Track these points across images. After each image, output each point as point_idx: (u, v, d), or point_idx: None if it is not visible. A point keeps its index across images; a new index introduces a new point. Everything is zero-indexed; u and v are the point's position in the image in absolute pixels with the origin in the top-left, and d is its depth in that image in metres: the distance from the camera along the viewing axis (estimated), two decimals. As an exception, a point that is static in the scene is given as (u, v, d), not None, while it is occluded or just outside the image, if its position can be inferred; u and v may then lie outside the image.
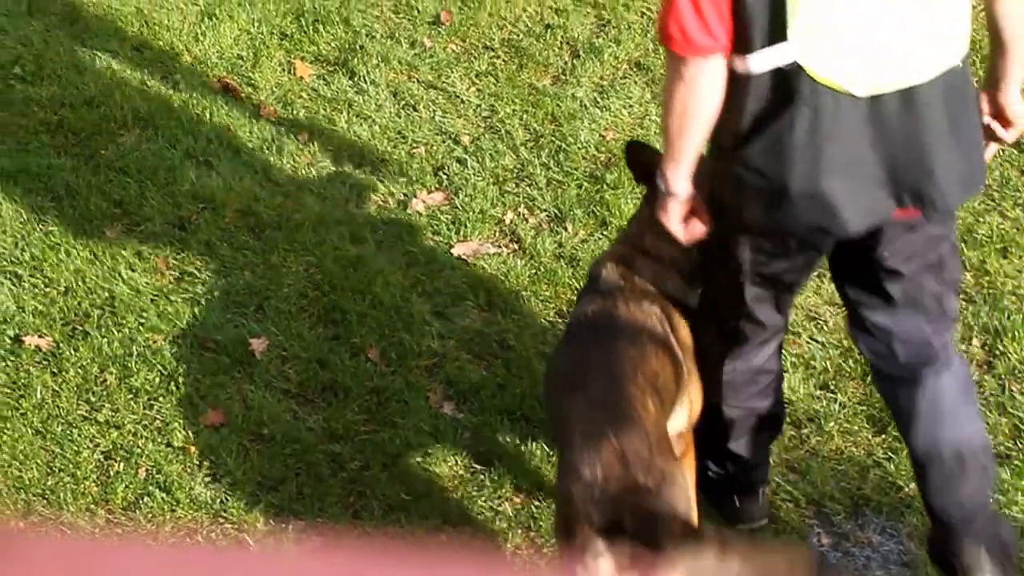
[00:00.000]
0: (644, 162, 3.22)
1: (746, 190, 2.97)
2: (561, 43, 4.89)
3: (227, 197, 4.25)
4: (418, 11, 4.98)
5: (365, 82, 4.75)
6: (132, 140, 4.50)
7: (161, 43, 4.90)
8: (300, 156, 4.47)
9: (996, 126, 3.12)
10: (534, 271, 4.02)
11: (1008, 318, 3.73)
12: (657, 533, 2.88)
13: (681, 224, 3.10)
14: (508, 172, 4.40)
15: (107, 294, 3.95)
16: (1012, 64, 3.04)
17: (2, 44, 4.84)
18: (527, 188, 4.32)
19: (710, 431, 3.52)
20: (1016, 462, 3.41)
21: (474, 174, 4.37)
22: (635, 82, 4.73)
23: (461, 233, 4.17)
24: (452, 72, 4.70)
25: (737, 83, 2.90)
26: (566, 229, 4.17)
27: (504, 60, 4.76)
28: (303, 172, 4.38)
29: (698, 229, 3.13)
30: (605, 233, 4.10)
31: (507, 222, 4.22)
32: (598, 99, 4.63)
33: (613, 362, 3.21)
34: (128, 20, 4.95)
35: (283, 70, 4.84)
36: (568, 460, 3.07)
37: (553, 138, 4.52)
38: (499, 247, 4.15)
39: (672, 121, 2.97)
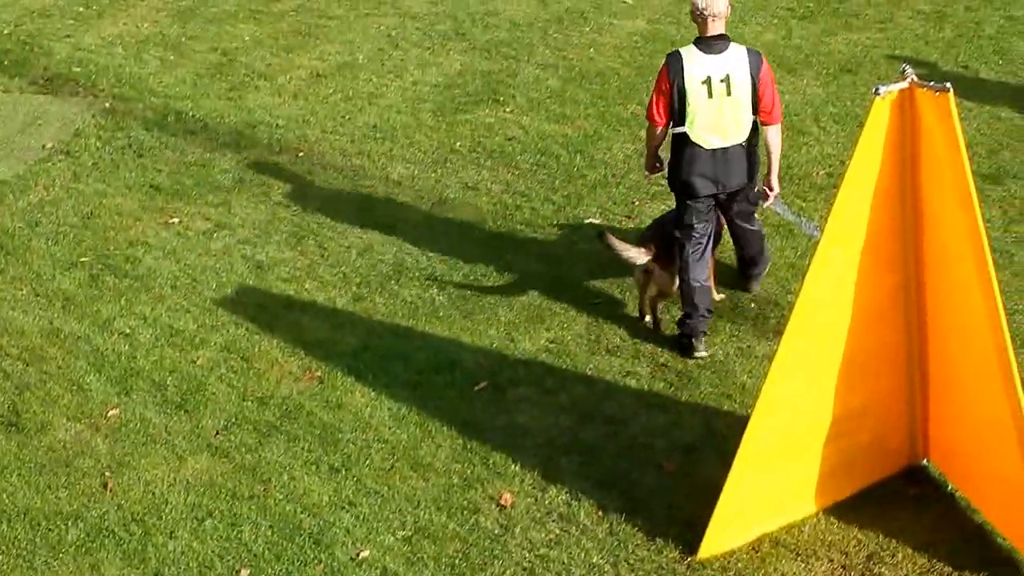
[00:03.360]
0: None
1: (672, 175, 7.53)
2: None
3: None
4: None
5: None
6: None
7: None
8: None
9: (766, 190, 7.62)
10: None
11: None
12: (659, 257, 7.65)
13: (648, 176, 8.19)
14: None
15: None
16: (773, 160, 7.52)
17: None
18: None
19: (683, 300, 7.66)
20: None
21: None
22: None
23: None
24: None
25: (672, 134, 7.44)
26: None
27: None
28: None
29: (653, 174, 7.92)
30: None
31: None
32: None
33: (663, 226, 7.85)
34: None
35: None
36: (645, 234, 7.94)
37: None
38: None
39: (646, 147, 7.79)
